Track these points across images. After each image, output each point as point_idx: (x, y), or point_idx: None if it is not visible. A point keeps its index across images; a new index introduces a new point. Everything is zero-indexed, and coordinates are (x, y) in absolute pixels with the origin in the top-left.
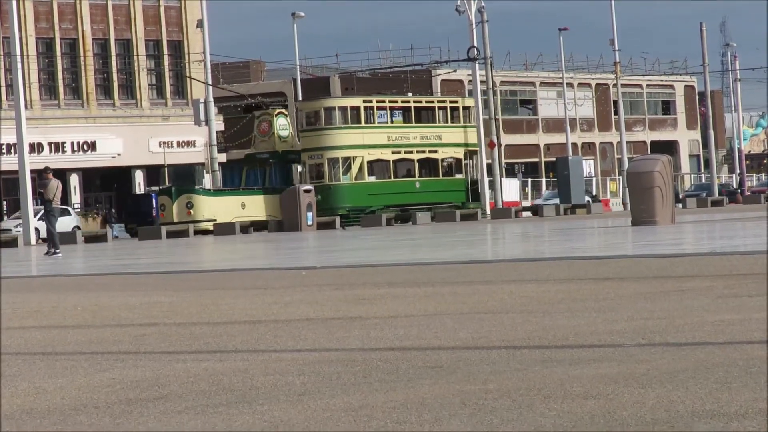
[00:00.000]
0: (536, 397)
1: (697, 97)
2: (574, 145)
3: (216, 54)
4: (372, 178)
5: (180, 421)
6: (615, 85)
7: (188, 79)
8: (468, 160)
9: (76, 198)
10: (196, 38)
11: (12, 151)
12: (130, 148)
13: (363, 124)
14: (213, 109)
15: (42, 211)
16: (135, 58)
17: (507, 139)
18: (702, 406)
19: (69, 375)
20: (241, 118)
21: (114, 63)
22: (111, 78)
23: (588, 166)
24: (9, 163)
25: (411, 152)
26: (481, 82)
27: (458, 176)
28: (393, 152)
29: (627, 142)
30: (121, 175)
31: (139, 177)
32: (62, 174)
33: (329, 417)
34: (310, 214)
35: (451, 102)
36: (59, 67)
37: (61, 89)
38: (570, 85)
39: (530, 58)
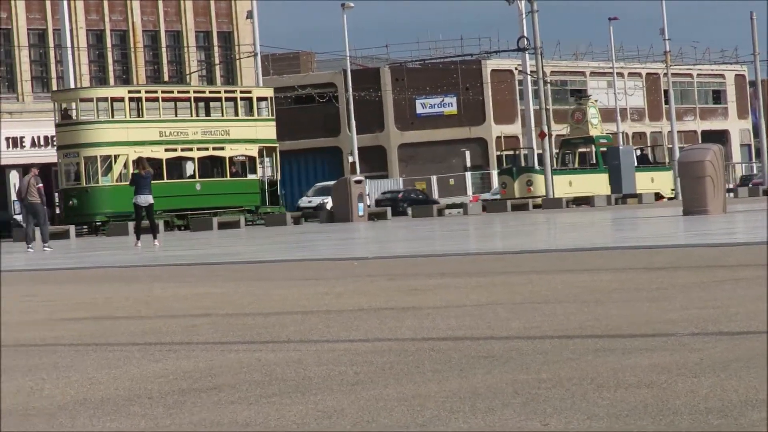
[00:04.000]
0: (589, 387)
1: (747, 86)
2: (625, 134)
3: (266, 45)
4: None
5: (233, 412)
6: (665, 74)
7: (238, 71)
8: (263, 158)
9: None
10: (246, 29)
11: None
12: None
13: (127, 117)
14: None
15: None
16: (185, 49)
17: (557, 129)
18: (755, 395)
19: (122, 366)
20: (291, 108)
21: (164, 54)
22: (161, 69)
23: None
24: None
25: (190, 149)
26: (531, 72)
27: (251, 177)
28: (166, 150)
29: (678, 131)
30: None
31: None
32: None
33: (382, 406)
34: (361, 205)
35: (242, 92)
36: (110, 58)
37: (111, 80)
38: (620, 74)
39: (580, 48)
